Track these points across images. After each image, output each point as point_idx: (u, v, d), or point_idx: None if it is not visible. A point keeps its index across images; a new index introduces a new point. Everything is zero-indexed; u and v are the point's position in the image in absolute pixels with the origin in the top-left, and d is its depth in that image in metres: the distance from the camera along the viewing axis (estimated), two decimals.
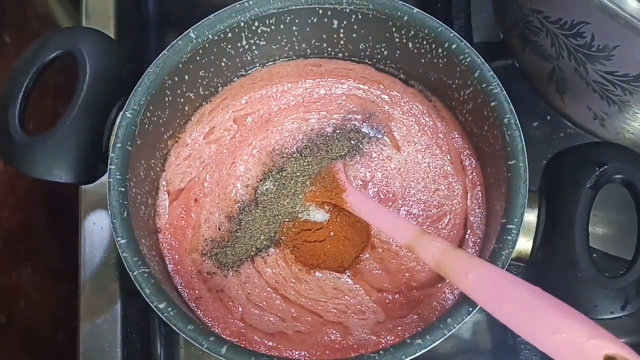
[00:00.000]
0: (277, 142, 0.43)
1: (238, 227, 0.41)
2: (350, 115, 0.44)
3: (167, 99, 0.40)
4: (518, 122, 0.36)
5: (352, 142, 0.43)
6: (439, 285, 0.39)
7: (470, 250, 0.40)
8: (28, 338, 0.64)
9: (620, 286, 0.33)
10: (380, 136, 0.43)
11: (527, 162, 0.35)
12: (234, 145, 0.43)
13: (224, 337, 0.36)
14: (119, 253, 0.35)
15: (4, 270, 0.59)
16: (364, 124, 0.44)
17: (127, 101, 0.37)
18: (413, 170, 0.42)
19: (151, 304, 0.33)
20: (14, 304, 0.60)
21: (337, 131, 0.43)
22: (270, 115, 0.44)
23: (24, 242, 0.63)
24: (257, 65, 0.44)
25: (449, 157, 0.42)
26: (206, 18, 0.39)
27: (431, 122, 0.43)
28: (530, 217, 0.36)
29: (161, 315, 0.33)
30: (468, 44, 0.38)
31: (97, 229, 0.48)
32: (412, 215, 0.41)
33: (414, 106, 0.43)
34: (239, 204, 0.42)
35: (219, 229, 0.41)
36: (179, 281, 0.40)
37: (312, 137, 0.43)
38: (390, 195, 0.42)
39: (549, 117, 0.51)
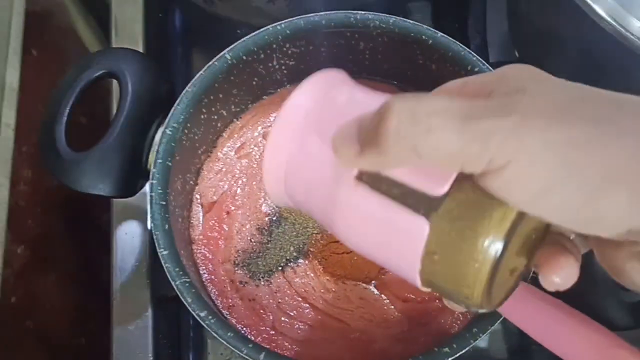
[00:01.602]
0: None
1: (269, 238, 0.43)
2: None
3: (202, 116, 0.42)
4: None
5: None
6: None
7: None
8: (51, 343, 0.65)
9: (635, 300, 0.35)
10: None
11: None
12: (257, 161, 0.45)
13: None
14: (160, 263, 0.37)
15: (32, 277, 0.60)
16: None
17: (167, 119, 0.39)
18: None
19: (193, 312, 0.35)
20: (39, 310, 0.62)
21: None
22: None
23: (47, 251, 0.64)
24: (286, 83, 0.46)
25: None
26: (241, 40, 0.41)
27: None
28: None
29: (202, 323, 0.35)
30: (490, 68, 0.40)
31: (128, 238, 0.50)
32: None
33: None
34: (269, 217, 0.44)
35: (251, 240, 0.43)
36: (212, 290, 0.42)
37: None
38: None
39: None
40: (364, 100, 0.27)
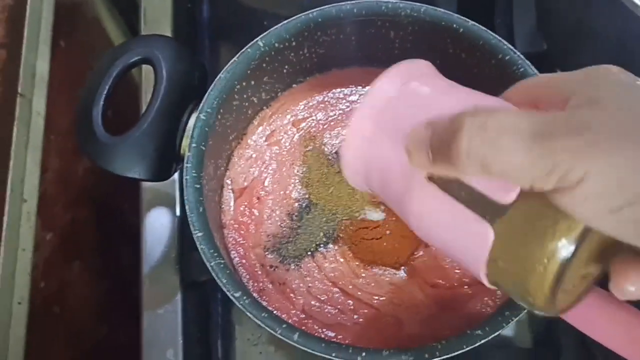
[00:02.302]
0: (333, 145, 0.46)
1: (298, 224, 0.43)
2: None
3: (234, 102, 0.42)
4: None
5: None
6: None
7: None
8: (76, 329, 0.66)
9: None
10: None
11: None
12: (293, 147, 0.45)
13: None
14: (189, 249, 0.38)
15: (60, 265, 0.61)
16: None
17: (201, 105, 0.40)
18: None
19: (227, 293, 0.36)
20: (65, 296, 0.63)
21: None
22: (327, 119, 0.46)
23: (73, 240, 0.65)
24: (315, 72, 0.46)
25: None
26: (273, 27, 0.42)
27: None
28: None
29: (237, 303, 0.36)
30: (521, 56, 0.40)
31: (157, 224, 0.51)
32: None
33: None
34: (299, 202, 0.44)
35: (281, 225, 0.44)
36: (244, 273, 0.42)
37: None
38: None
39: None
40: (443, 96, 0.28)
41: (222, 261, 0.36)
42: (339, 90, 0.47)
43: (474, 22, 0.41)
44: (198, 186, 0.38)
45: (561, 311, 0.26)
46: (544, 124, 0.21)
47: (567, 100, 0.23)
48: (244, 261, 0.42)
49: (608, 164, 0.20)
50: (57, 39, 0.65)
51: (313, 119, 0.46)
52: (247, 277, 0.42)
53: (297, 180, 0.45)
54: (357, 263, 0.42)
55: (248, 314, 0.35)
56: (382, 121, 0.28)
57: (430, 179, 0.26)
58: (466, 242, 0.26)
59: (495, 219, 0.24)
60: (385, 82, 0.29)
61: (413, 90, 0.29)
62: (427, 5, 0.42)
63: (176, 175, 0.46)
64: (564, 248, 0.23)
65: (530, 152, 0.21)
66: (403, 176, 0.27)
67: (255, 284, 0.42)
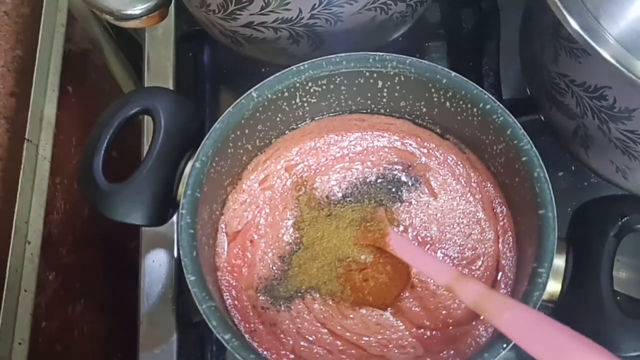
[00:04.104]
0: (324, 190, 0.47)
1: (289, 266, 0.45)
2: (390, 166, 0.48)
3: (229, 150, 0.44)
4: (547, 175, 0.40)
5: (393, 189, 0.47)
6: (474, 322, 0.42)
7: (502, 290, 0.43)
8: None
9: None
10: (418, 185, 0.47)
11: (555, 211, 0.39)
12: (286, 191, 0.47)
13: None
14: (185, 289, 0.39)
15: (64, 303, 0.63)
16: (404, 173, 0.48)
17: (197, 153, 0.42)
18: (449, 216, 0.46)
19: (217, 335, 0.37)
20: (69, 334, 0.64)
21: (379, 180, 0.48)
22: (318, 165, 0.48)
23: (79, 278, 0.67)
24: (307, 119, 0.49)
25: (481, 205, 0.46)
26: (266, 80, 0.44)
27: (465, 172, 0.47)
28: (559, 262, 0.40)
29: (227, 345, 0.37)
30: (501, 105, 0.42)
31: (155, 266, 0.53)
32: (448, 257, 0.45)
33: (449, 157, 0.48)
34: (290, 245, 0.46)
35: (272, 267, 0.45)
36: (236, 315, 0.44)
37: (356, 185, 0.47)
38: (429, 239, 0.46)
39: (573, 167, 0.55)
40: None
41: (213, 304, 0.38)
42: (330, 136, 0.49)
43: (456, 74, 0.44)
44: (192, 231, 0.40)
45: None
46: None
47: None
48: (236, 302, 0.44)
49: None
50: (65, 84, 0.68)
51: (305, 164, 0.48)
52: (239, 318, 0.43)
53: (289, 224, 0.46)
54: (345, 304, 0.44)
55: (237, 355, 0.37)
56: None
57: None
58: None
59: None
60: None
61: None
62: (412, 58, 0.44)
63: (175, 218, 0.48)
64: None
65: None
66: None
67: (247, 325, 0.43)
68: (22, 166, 0.56)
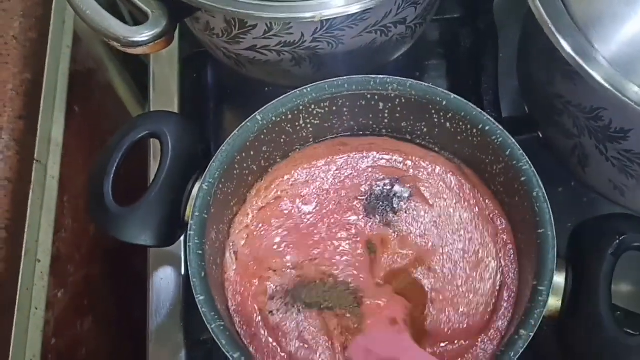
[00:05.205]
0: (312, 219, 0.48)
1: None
2: (379, 182, 0.49)
3: (235, 172, 0.46)
4: (546, 195, 0.41)
5: (387, 203, 0.48)
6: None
7: (504, 303, 0.44)
8: None
9: None
10: (411, 196, 0.48)
11: (554, 231, 0.40)
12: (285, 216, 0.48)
13: None
14: (193, 306, 0.40)
15: (72, 320, 0.64)
16: (393, 188, 0.49)
17: (204, 175, 0.43)
18: (448, 222, 0.47)
19: (227, 353, 0.38)
20: (78, 351, 0.65)
21: (372, 199, 0.49)
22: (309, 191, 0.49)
23: (86, 295, 0.68)
24: (311, 140, 0.50)
25: (477, 210, 0.47)
26: (270, 103, 0.45)
27: (455, 180, 0.48)
28: (559, 279, 0.41)
29: None
30: (500, 126, 0.43)
31: (164, 284, 0.54)
32: (452, 261, 0.46)
33: (437, 167, 0.49)
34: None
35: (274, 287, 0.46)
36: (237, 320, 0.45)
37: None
38: (431, 245, 0.47)
39: (573, 183, 0.56)
40: None
41: (222, 323, 0.39)
42: (317, 161, 0.49)
43: (456, 96, 0.45)
44: (200, 252, 0.41)
45: None
46: None
47: None
48: (240, 309, 0.45)
49: None
50: (72, 104, 0.69)
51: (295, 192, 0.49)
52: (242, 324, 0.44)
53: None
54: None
55: None
56: None
57: None
58: None
59: None
60: None
61: None
62: (412, 80, 0.45)
63: (182, 237, 0.49)
64: None
65: None
66: None
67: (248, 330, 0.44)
68: (31, 187, 0.57)
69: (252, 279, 0.46)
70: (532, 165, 0.42)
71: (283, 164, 0.49)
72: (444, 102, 0.45)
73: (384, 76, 0.45)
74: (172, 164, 0.43)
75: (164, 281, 0.54)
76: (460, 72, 0.61)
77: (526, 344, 0.38)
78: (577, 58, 0.38)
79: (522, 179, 0.42)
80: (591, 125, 0.43)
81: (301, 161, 0.49)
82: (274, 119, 0.45)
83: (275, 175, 0.49)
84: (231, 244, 0.47)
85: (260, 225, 0.48)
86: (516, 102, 0.58)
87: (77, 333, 0.66)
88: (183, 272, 0.54)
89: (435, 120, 0.46)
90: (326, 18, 0.45)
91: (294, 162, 0.49)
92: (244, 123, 0.45)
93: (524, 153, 0.43)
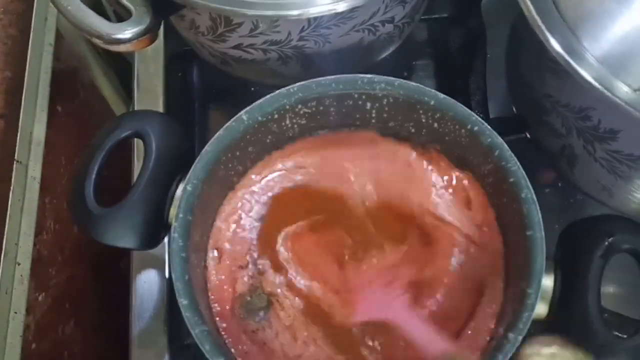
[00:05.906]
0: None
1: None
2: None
3: (220, 172, 0.45)
4: (535, 196, 0.41)
5: None
6: None
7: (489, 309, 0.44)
8: None
9: (630, 345, 0.37)
10: None
11: (543, 232, 0.40)
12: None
13: None
14: (176, 310, 0.39)
15: (54, 324, 0.63)
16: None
17: (188, 176, 0.42)
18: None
19: (210, 359, 0.38)
20: (59, 356, 0.64)
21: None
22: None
23: (69, 299, 0.67)
24: (296, 140, 0.49)
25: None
26: (256, 102, 0.44)
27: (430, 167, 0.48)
28: (548, 282, 0.40)
29: None
30: (489, 127, 0.43)
31: (147, 287, 0.53)
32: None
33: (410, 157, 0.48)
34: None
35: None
36: (228, 339, 0.44)
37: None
38: None
39: (560, 184, 0.55)
40: None
41: (206, 328, 0.38)
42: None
43: (445, 96, 0.44)
44: (184, 255, 0.40)
45: None
46: None
47: None
48: (224, 325, 0.44)
49: None
50: (55, 104, 0.68)
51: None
52: (231, 341, 0.43)
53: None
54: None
55: None
56: None
57: None
58: None
59: None
60: None
61: None
62: (400, 80, 0.45)
63: (166, 239, 0.48)
64: None
65: None
66: None
67: (240, 348, 0.43)
68: (11, 188, 0.56)
69: (234, 282, 0.45)
70: (520, 166, 0.42)
71: (268, 164, 0.48)
72: (432, 102, 0.44)
73: (372, 75, 0.45)
74: (155, 164, 0.42)
75: (147, 284, 0.53)
76: (448, 71, 0.60)
77: (515, 347, 0.38)
78: (566, 56, 0.38)
79: (511, 180, 0.41)
80: (580, 125, 0.43)
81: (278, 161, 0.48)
82: (260, 118, 0.44)
83: (264, 166, 0.48)
84: (213, 247, 0.46)
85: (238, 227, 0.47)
86: (504, 103, 0.58)
87: (59, 337, 0.65)
88: (167, 275, 0.53)
89: (423, 120, 0.46)
90: (313, 16, 0.44)
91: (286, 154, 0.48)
92: (229, 123, 0.44)
93: (512, 154, 0.42)
